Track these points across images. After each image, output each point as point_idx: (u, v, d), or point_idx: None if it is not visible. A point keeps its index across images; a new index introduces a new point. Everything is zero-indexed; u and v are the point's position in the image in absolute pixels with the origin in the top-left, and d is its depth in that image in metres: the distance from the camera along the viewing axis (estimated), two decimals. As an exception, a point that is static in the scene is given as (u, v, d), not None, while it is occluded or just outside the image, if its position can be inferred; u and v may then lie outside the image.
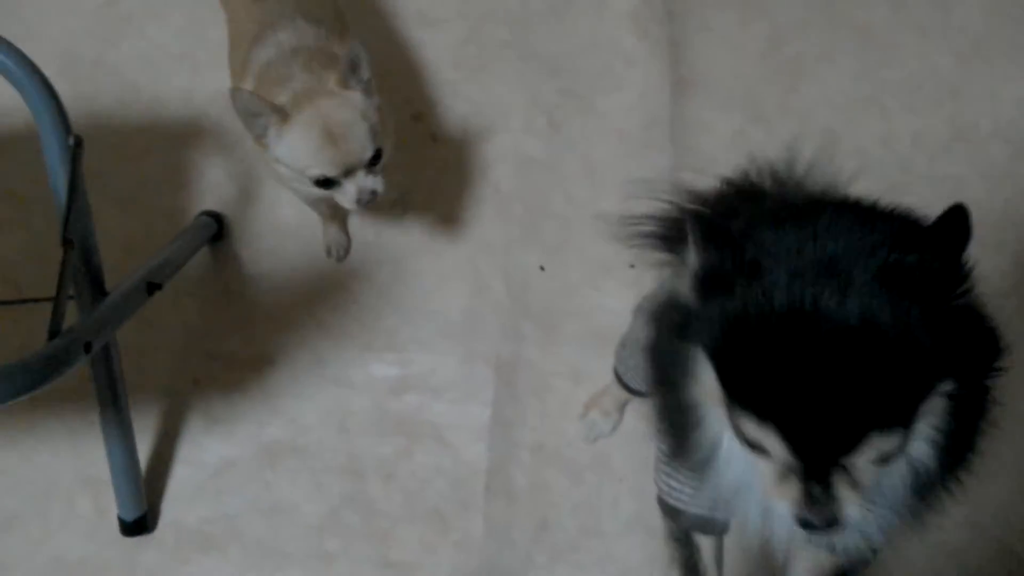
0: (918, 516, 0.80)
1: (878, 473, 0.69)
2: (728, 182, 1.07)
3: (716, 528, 0.96)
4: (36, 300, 1.13)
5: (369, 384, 1.57)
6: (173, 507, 1.50)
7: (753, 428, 0.68)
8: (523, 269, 1.66)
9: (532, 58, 1.84)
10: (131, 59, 1.80)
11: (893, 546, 0.85)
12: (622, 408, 1.51)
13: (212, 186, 1.71)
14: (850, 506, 0.68)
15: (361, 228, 1.69)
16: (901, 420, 0.66)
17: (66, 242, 1.14)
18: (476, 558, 1.44)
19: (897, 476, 0.74)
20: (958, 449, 0.75)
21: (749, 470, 0.76)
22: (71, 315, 1.14)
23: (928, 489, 0.76)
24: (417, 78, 1.82)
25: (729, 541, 0.99)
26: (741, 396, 0.68)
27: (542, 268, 1.66)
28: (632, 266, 1.59)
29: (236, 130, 1.76)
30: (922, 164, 1.74)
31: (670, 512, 0.98)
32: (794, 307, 0.65)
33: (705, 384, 0.72)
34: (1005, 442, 1.46)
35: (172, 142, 1.74)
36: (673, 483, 0.95)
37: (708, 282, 0.69)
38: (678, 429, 0.81)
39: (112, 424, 1.38)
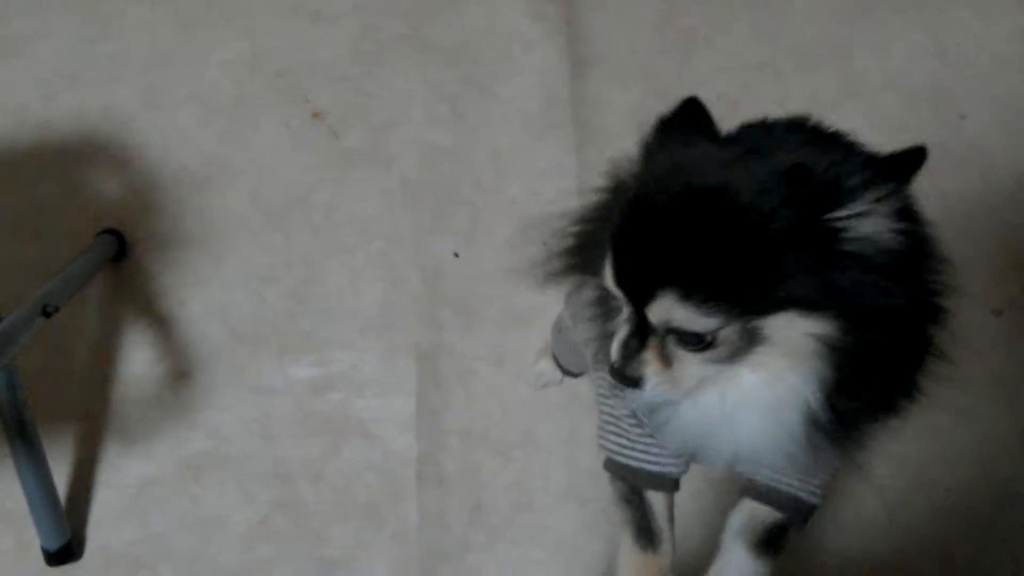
0: (829, 459, 0.82)
1: (695, 362, 0.72)
2: None
3: (667, 483, 0.94)
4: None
5: (289, 387, 1.56)
6: (99, 532, 1.46)
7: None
8: (437, 258, 1.66)
9: (430, 49, 1.84)
10: (18, 79, 1.75)
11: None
12: None
13: (112, 204, 1.67)
14: (652, 374, 0.73)
15: (267, 231, 1.67)
16: (707, 300, 0.67)
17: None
18: (413, 547, 1.44)
19: (789, 418, 0.74)
20: (858, 395, 0.73)
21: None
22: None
23: (829, 435, 0.75)
24: (315, 76, 1.81)
25: (680, 498, 0.97)
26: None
27: (456, 255, 1.67)
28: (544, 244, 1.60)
29: (132, 144, 1.73)
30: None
31: (621, 470, 0.94)
32: (663, 170, 0.73)
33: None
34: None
35: (66, 162, 1.70)
36: (624, 440, 0.93)
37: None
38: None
39: (23, 454, 1.33)
